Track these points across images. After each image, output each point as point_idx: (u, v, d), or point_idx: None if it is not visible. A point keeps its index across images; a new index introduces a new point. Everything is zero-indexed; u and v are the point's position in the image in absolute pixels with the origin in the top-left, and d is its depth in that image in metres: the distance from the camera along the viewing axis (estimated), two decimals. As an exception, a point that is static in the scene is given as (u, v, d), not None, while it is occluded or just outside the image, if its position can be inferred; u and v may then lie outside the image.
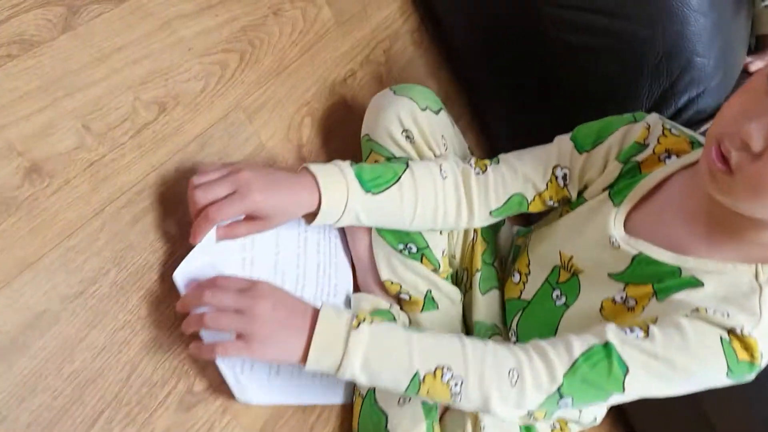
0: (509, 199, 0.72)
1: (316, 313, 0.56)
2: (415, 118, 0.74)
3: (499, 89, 1.06)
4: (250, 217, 0.62)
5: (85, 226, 0.58)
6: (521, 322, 0.76)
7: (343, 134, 0.87)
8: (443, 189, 0.70)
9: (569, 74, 0.92)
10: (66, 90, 0.58)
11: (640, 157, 0.67)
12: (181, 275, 0.59)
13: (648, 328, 0.56)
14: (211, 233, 0.61)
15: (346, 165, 0.66)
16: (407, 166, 0.69)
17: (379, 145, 0.76)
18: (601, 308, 0.65)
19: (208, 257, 0.61)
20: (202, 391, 0.65)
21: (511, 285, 0.80)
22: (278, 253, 0.71)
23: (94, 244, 0.58)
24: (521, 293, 0.77)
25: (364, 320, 0.55)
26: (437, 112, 0.77)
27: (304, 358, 0.55)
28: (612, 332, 0.56)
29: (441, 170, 0.71)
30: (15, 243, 0.53)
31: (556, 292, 0.71)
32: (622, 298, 0.64)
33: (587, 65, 0.90)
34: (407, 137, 0.74)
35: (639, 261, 0.63)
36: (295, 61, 0.83)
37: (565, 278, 0.71)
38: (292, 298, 0.58)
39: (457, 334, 0.59)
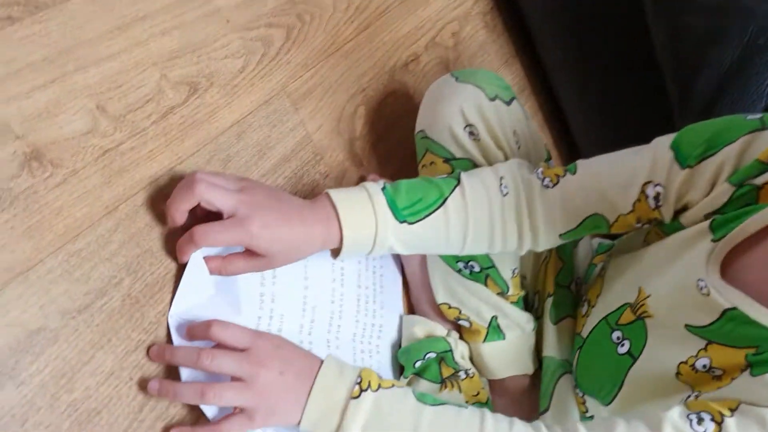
0: (584, 220, 0.62)
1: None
2: (482, 111, 0.67)
3: (585, 81, 1.01)
4: (251, 251, 0.56)
5: (95, 226, 0.53)
6: (579, 364, 0.66)
7: (402, 127, 0.82)
8: (501, 209, 0.61)
9: (673, 64, 0.84)
10: (77, 63, 0.54)
11: (759, 180, 0.52)
12: (175, 316, 0.55)
13: (723, 420, 0.48)
14: (201, 262, 0.56)
15: (376, 189, 0.59)
16: (458, 181, 0.61)
17: (436, 144, 0.69)
18: (678, 373, 0.55)
19: (206, 293, 0.57)
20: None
21: (578, 315, 0.70)
22: (307, 287, 0.65)
23: (105, 249, 0.53)
24: (583, 327, 0.67)
25: (368, 386, 0.52)
26: (509, 103, 0.69)
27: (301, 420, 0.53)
28: (671, 426, 0.48)
29: (501, 184, 0.62)
30: (6, 245, 0.48)
31: (617, 334, 0.61)
32: (705, 366, 0.53)
33: (697, 52, 0.81)
34: (471, 134, 0.67)
35: (731, 317, 0.51)
36: (349, 41, 0.80)
37: (628, 320, 0.61)
38: (298, 354, 0.54)
39: (480, 410, 0.53)
